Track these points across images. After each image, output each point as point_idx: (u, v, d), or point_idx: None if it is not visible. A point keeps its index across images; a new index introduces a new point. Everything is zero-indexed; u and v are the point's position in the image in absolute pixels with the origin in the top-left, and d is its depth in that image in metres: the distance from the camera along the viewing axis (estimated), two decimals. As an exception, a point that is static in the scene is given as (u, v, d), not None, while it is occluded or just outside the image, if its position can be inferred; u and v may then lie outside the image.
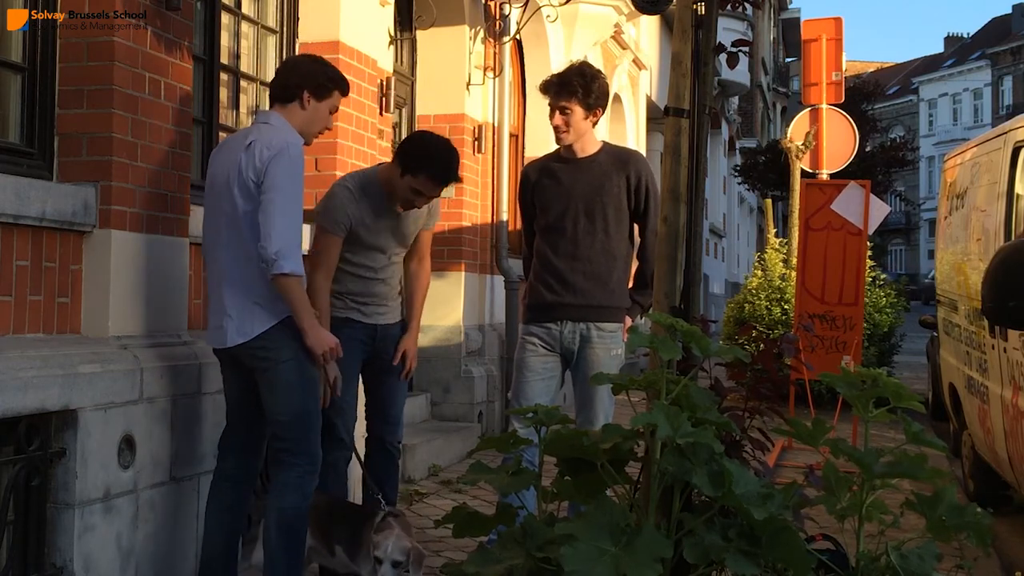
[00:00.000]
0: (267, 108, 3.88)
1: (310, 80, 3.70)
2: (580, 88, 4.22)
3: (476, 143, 8.14)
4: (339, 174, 4.98)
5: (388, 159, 6.55)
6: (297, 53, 3.90)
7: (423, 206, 4.18)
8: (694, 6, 2.81)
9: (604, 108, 4.34)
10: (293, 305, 3.49)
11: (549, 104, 4.31)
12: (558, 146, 4.38)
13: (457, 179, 4.14)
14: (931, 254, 29.03)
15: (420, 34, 7.85)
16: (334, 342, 3.61)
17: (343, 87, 3.84)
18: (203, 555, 3.71)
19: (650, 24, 14.40)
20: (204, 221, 3.75)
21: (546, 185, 4.34)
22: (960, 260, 6.66)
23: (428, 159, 4.00)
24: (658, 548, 2.23)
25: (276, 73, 3.86)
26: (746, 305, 10.88)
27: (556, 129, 4.30)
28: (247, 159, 3.50)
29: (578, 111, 4.23)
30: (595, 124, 4.34)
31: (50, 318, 3.58)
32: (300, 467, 3.59)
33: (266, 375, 3.57)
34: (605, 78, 4.42)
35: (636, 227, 4.41)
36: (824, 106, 10.05)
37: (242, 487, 3.76)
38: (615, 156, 4.37)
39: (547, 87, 4.33)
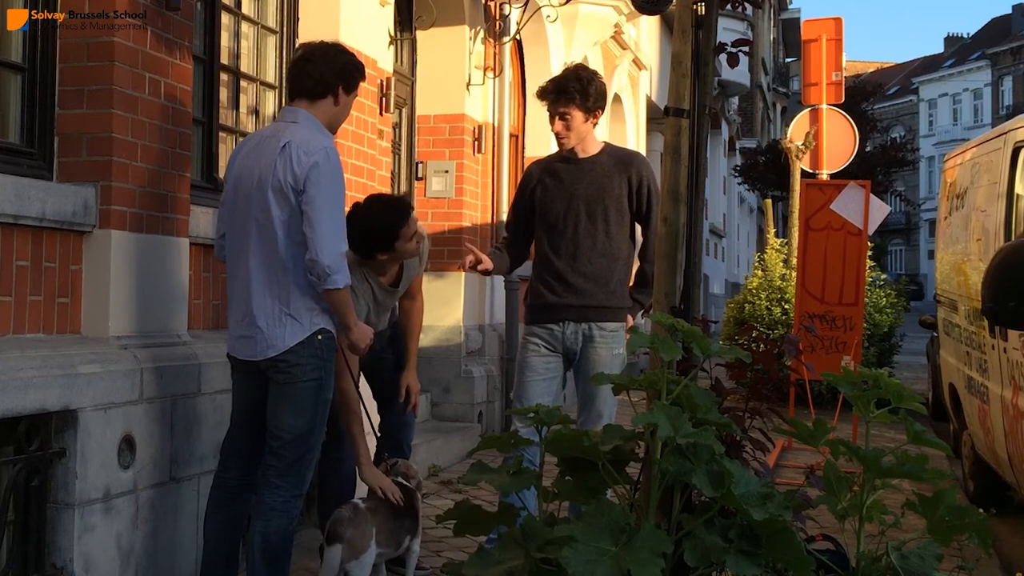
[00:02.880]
0: (291, 104, 3.68)
1: (344, 75, 3.61)
2: (578, 93, 4.21)
3: (476, 143, 8.14)
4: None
5: (388, 159, 6.57)
6: (308, 44, 3.75)
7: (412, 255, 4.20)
8: (694, 6, 2.82)
9: (603, 109, 4.34)
10: (340, 310, 3.48)
11: (548, 110, 4.31)
12: (559, 148, 4.39)
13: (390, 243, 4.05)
14: (931, 254, 29.05)
15: (420, 34, 7.85)
16: (371, 334, 3.65)
17: (364, 72, 3.77)
18: (204, 561, 3.67)
19: (650, 24, 14.39)
20: (226, 226, 3.64)
21: (548, 184, 4.35)
22: (960, 260, 6.65)
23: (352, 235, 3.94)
24: (658, 544, 2.23)
25: (302, 68, 3.61)
26: (746, 305, 10.88)
27: (557, 135, 4.30)
28: (283, 162, 3.40)
29: (578, 115, 4.24)
30: (595, 125, 4.34)
31: (50, 318, 3.58)
32: (286, 490, 3.50)
33: (283, 389, 3.48)
34: (602, 78, 4.41)
35: (639, 227, 4.41)
36: (824, 106, 10.05)
37: (243, 496, 3.67)
38: (617, 157, 4.37)
39: (544, 94, 4.31)
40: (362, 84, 3.80)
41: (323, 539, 3.81)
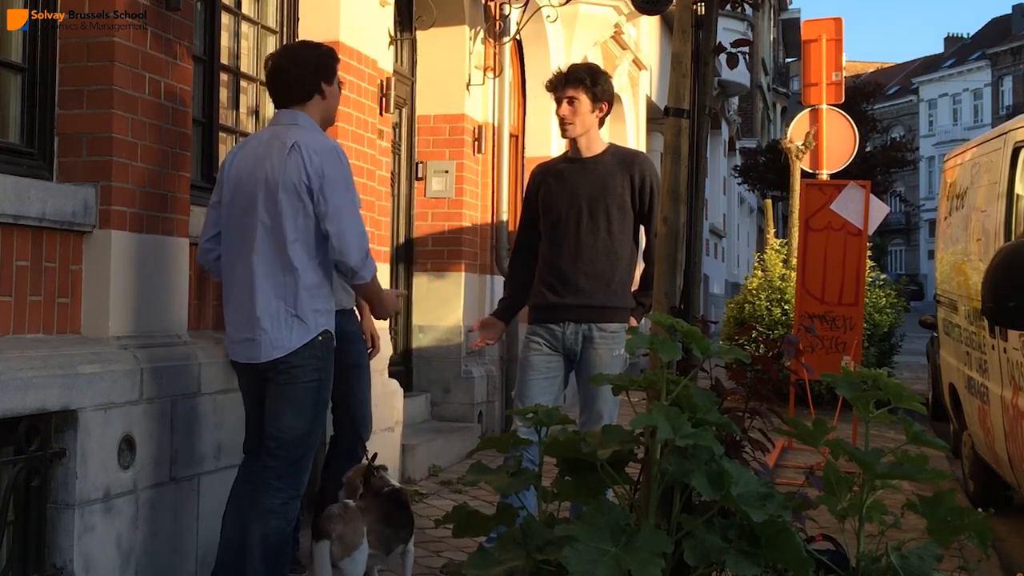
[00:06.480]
0: (282, 109, 3.70)
1: (322, 71, 3.65)
2: (588, 77, 4.28)
3: (476, 143, 8.14)
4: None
5: (388, 159, 6.57)
6: (274, 55, 3.84)
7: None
8: (694, 6, 2.81)
9: (609, 104, 4.35)
10: (371, 299, 3.75)
11: (555, 98, 4.34)
12: (563, 138, 4.43)
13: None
14: (931, 254, 29.05)
15: (420, 34, 7.85)
16: (397, 301, 3.94)
17: (337, 56, 3.82)
18: (219, 555, 3.67)
19: (650, 24, 14.39)
20: (223, 228, 3.64)
21: (551, 185, 4.37)
22: (960, 260, 6.65)
23: None
24: (658, 544, 2.23)
25: (281, 79, 3.65)
26: (746, 305, 10.88)
27: (562, 120, 4.32)
28: (294, 162, 3.41)
29: (585, 101, 4.26)
30: (601, 121, 4.34)
31: (50, 318, 3.58)
32: (284, 492, 3.51)
33: (283, 389, 3.49)
34: (610, 79, 4.47)
35: (642, 228, 4.42)
36: (824, 106, 10.06)
37: None
38: (621, 157, 4.38)
39: (554, 80, 4.37)
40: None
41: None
